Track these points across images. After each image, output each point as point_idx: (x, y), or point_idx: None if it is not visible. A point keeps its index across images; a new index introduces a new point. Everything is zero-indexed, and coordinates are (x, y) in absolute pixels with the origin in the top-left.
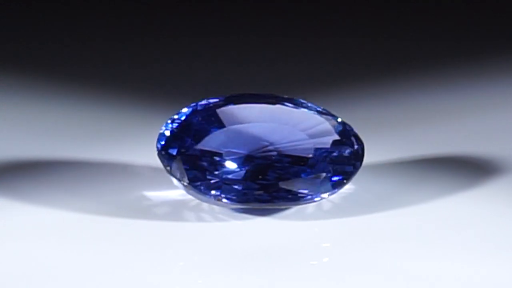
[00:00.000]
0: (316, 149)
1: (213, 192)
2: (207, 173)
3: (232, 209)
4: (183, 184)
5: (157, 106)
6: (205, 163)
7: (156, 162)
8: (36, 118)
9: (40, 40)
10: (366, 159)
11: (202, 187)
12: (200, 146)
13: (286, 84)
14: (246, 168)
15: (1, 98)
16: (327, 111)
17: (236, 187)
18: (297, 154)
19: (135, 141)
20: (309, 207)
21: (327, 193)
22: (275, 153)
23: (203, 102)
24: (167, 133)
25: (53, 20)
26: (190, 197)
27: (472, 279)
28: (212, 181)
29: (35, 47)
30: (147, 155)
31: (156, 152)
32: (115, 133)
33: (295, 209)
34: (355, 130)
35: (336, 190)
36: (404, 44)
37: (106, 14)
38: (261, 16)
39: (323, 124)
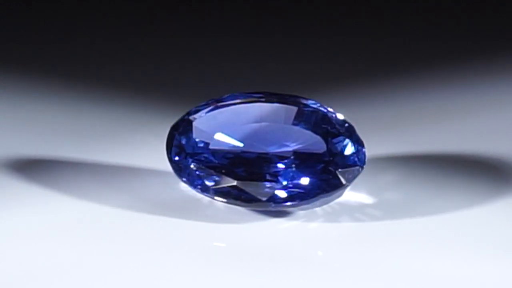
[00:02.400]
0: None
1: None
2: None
3: (240, 209)
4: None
5: (164, 106)
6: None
7: (164, 163)
8: (40, 118)
9: (49, 40)
10: (369, 157)
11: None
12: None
13: (287, 84)
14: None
15: (24, 99)
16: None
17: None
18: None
19: (143, 141)
20: (319, 210)
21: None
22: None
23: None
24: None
25: (59, 20)
26: (196, 196)
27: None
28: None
29: (46, 47)
30: (155, 155)
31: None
32: (122, 133)
33: (305, 212)
34: (358, 129)
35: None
36: (405, 43)
37: (115, 14)
38: (262, 16)
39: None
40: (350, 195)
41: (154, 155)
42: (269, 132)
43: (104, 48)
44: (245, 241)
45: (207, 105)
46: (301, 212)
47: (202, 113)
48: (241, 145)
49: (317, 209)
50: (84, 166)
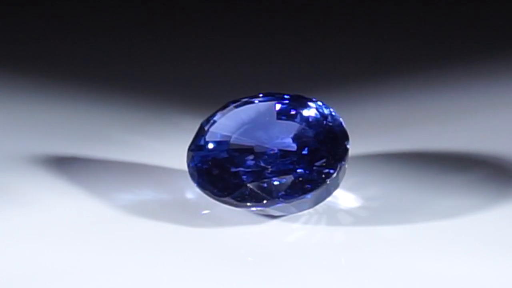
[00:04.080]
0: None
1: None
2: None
3: (244, 212)
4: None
5: (184, 107)
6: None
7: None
8: (48, 118)
9: (65, 40)
10: (363, 156)
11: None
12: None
13: (287, 84)
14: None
15: (50, 99)
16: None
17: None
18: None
19: (164, 142)
20: (311, 212)
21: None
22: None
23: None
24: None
25: (67, 20)
26: (202, 199)
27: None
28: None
29: (66, 47)
30: (174, 156)
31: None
32: (140, 133)
33: (296, 215)
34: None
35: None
36: (405, 43)
37: (133, 16)
38: (262, 16)
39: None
40: (346, 196)
41: (173, 155)
42: (268, 129)
43: (127, 49)
44: (242, 243)
45: (226, 105)
46: (290, 215)
47: (223, 111)
48: (255, 141)
49: (309, 211)
50: (102, 163)
